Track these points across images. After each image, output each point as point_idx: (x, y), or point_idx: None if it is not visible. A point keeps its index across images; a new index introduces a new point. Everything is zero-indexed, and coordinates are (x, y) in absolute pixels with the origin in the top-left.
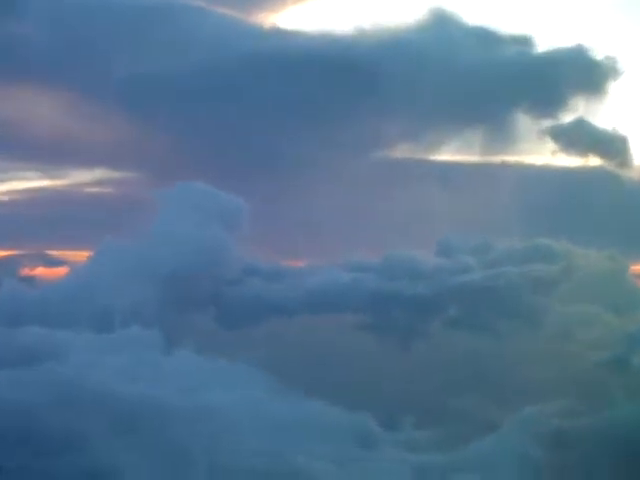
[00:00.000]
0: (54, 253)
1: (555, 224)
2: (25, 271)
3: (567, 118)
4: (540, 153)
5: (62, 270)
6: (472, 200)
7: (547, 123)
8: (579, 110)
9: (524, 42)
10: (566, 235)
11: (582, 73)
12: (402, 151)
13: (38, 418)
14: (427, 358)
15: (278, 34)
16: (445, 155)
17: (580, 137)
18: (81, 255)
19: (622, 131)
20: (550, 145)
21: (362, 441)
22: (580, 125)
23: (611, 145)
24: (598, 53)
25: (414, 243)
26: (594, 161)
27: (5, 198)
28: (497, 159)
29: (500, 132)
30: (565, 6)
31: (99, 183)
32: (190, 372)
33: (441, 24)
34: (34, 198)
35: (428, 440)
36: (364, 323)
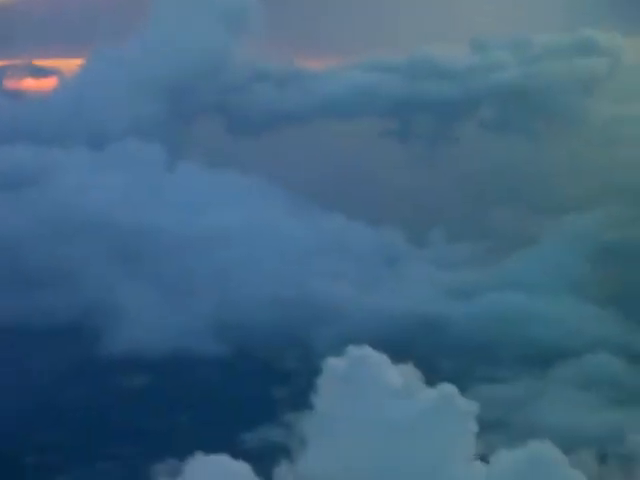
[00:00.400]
0: (43, 63)
1: (601, 11)
2: (11, 83)
3: None
4: None
5: (51, 81)
6: None
7: None
8: None
9: None
10: (614, 24)
11: None
12: None
13: (25, 248)
14: (458, 167)
15: None
16: None
17: None
18: (72, 64)
19: None
20: None
21: (388, 259)
22: None
23: None
24: None
25: (444, 40)
26: None
27: None
28: None
29: None
30: None
31: None
32: (197, 189)
33: None
34: (21, 3)
35: (460, 256)
36: (388, 130)
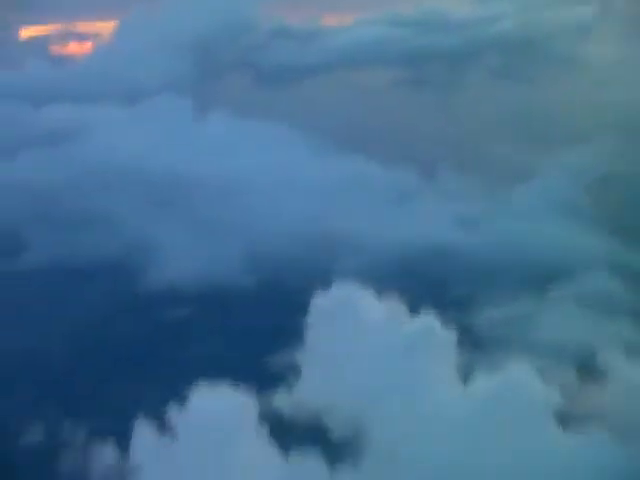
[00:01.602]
0: (83, 27)
1: None
2: (55, 48)
3: None
4: None
5: (91, 44)
6: None
7: None
8: None
9: None
10: None
11: None
12: None
13: (69, 197)
14: (464, 110)
15: None
16: None
17: None
18: (109, 27)
19: None
20: None
21: (403, 194)
22: None
23: None
24: None
25: None
26: None
27: None
28: None
29: None
30: None
31: None
32: (226, 136)
33: None
34: None
35: (468, 188)
36: (401, 78)
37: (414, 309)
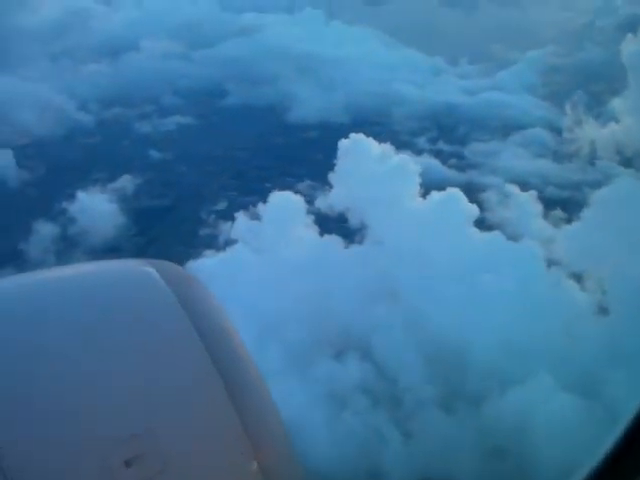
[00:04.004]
0: None
1: None
2: None
3: None
4: None
5: None
6: None
7: None
8: None
9: None
10: None
11: None
12: None
13: None
14: (475, 14)
15: None
16: None
17: None
18: None
19: None
20: None
21: (434, 71)
22: None
23: None
24: None
25: None
26: None
27: None
28: None
29: None
30: None
31: None
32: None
33: None
34: None
35: (477, 72)
36: None
37: (432, 143)
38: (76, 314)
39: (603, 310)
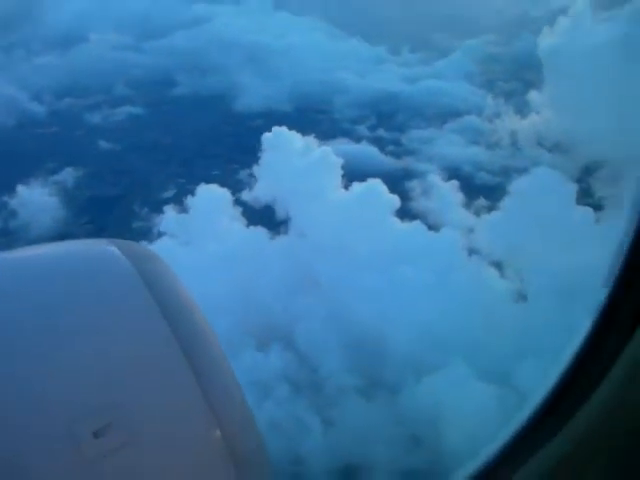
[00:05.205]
0: None
1: None
2: None
3: None
4: None
5: None
6: None
7: None
8: None
9: None
10: None
11: None
12: None
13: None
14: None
15: None
16: None
17: None
18: None
19: None
20: None
21: (377, 62)
22: None
23: None
24: None
25: None
26: None
27: None
28: None
29: None
30: None
31: None
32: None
33: None
34: None
35: (417, 60)
36: None
37: (371, 130)
38: (37, 291)
39: (522, 297)
